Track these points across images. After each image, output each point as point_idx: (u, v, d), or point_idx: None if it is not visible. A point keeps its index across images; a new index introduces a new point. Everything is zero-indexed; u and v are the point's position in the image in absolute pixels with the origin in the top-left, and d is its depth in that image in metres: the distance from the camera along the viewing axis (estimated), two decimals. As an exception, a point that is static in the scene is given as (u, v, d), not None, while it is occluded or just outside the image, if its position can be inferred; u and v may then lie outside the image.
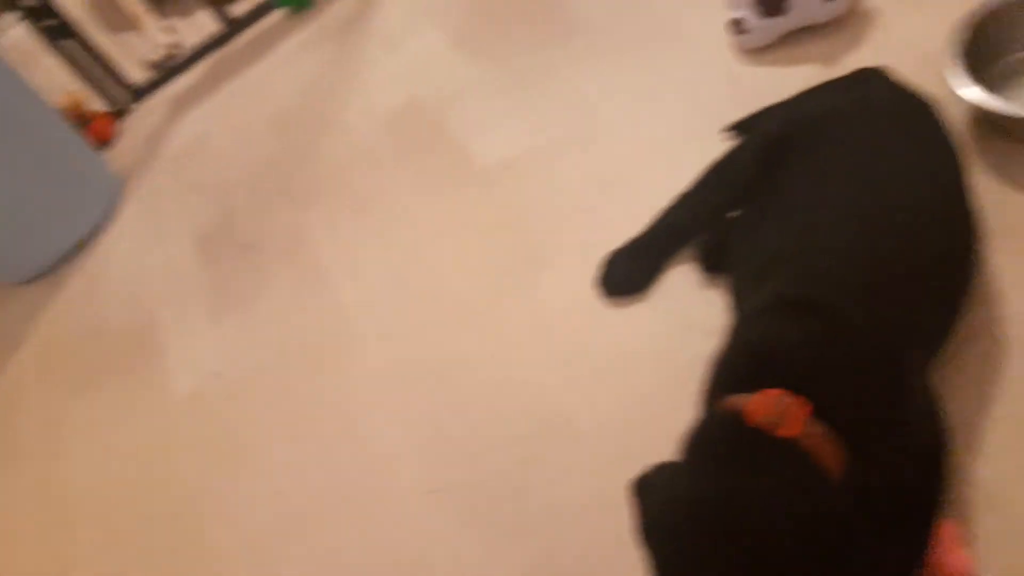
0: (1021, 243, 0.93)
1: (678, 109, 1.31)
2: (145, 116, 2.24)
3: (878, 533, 0.68)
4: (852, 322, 0.75)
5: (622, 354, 1.07)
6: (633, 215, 1.17)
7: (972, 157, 1.02)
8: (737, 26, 1.30)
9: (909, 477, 0.73)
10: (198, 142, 2.01)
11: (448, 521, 1.04)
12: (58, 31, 2.12)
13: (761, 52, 1.31)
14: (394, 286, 1.35)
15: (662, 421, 0.87)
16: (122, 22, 2.63)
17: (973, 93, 0.98)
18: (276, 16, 2.27)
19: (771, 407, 0.70)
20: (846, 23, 1.26)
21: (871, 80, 1.00)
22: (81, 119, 2.16)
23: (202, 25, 2.35)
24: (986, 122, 1.04)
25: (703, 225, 1.07)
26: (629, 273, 1.11)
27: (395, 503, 1.09)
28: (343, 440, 1.19)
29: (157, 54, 2.36)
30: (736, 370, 0.77)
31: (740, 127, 1.19)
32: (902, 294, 0.78)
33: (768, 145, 0.98)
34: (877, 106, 0.93)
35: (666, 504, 0.72)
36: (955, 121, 1.04)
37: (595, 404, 1.05)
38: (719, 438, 0.73)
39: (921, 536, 0.74)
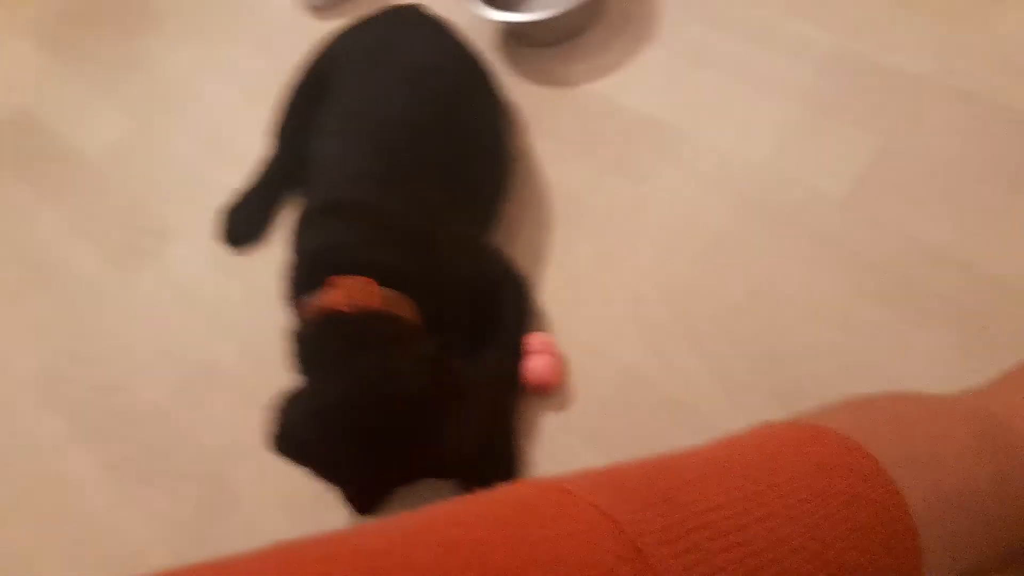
0: (546, 126, 1.17)
1: (264, 69, 1.40)
2: None
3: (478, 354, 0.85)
4: (384, 208, 0.90)
5: (257, 295, 1.15)
6: (241, 171, 1.25)
7: (503, 65, 1.24)
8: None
9: (493, 305, 0.91)
10: None
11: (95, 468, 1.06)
12: None
13: (328, 10, 1.44)
14: (36, 290, 1.30)
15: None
16: None
17: (493, 13, 1.19)
18: None
19: (344, 292, 0.83)
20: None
21: (403, 13, 1.16)
22: None
23: None
24: (511, 35, 1.26)
25: (288, 159, 1.17)
26: (246, 222, 1.19)
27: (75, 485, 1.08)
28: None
29: None
30: (303, 276, 0.89)
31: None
32: (433, 179, 0.95)
33: (308, 77, 1.11)
34: (403, 31, 1.09)
35: (289, 425, 0.81)
36: (486, 40, 1.26)
37: (243, 345, 1.12)
38: (312, 336, 0.84)
39: (514, 344, 0.93)
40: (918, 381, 0.86)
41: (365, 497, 0.86)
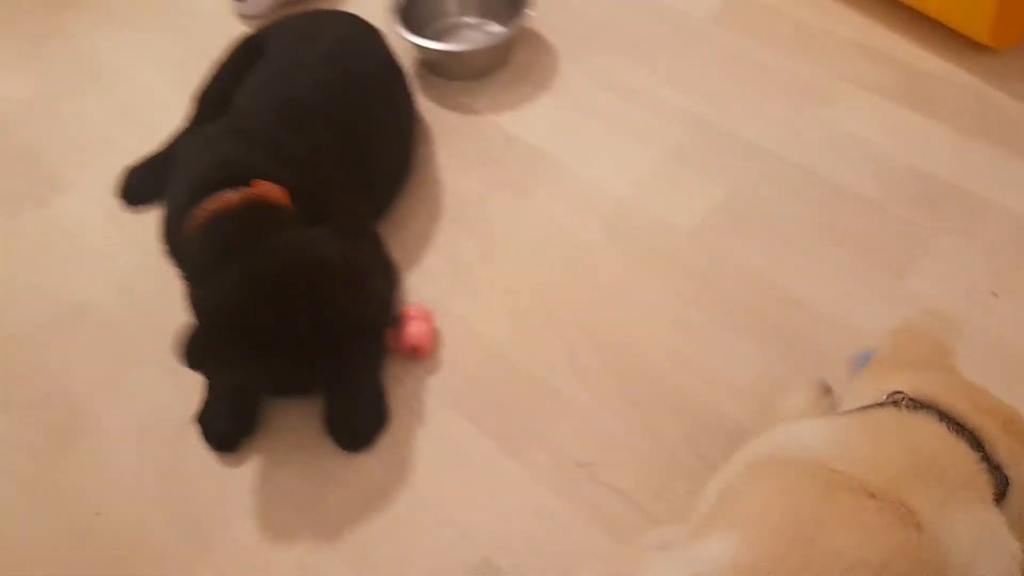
0: (447, 141, 1.31)
1: (185, 58, 1.47)
2: None
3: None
4: (280, 140, 1.02)
5: (146, 252, 1.18)
6: (150, 140, 1.30)
7: (419, 88, 1.38)
8: (241, -5, 1.52)
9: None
10: None
11: None
12: None
13: (259, 19, 1.54)
14: None
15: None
16: None
17: (418, 39, 1.33)
18: None
19: (236, 195, 0.93)
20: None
21: (338, 12, 1.28)
22: None
23: None
24: (427, 65, 1.41)
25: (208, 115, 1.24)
26: (147, 183, 1.23)
27: None
28: None
29: None
30: (197, 183, 0.96)
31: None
32: (334, 150, 1.06)
33: (238, 51, 1.21)
34: (336, 25, 1.22)
35: (216, 314, 0.88)
36: (407, 65, 1.40)
37: (122, 292, 1.15)
38: (214, 231, 0.92)
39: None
40: (728, 381, 1.01)
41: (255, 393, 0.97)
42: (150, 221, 1.22)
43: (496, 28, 1.42)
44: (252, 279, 0.87)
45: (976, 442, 0.66)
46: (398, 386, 1.03)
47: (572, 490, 0.93)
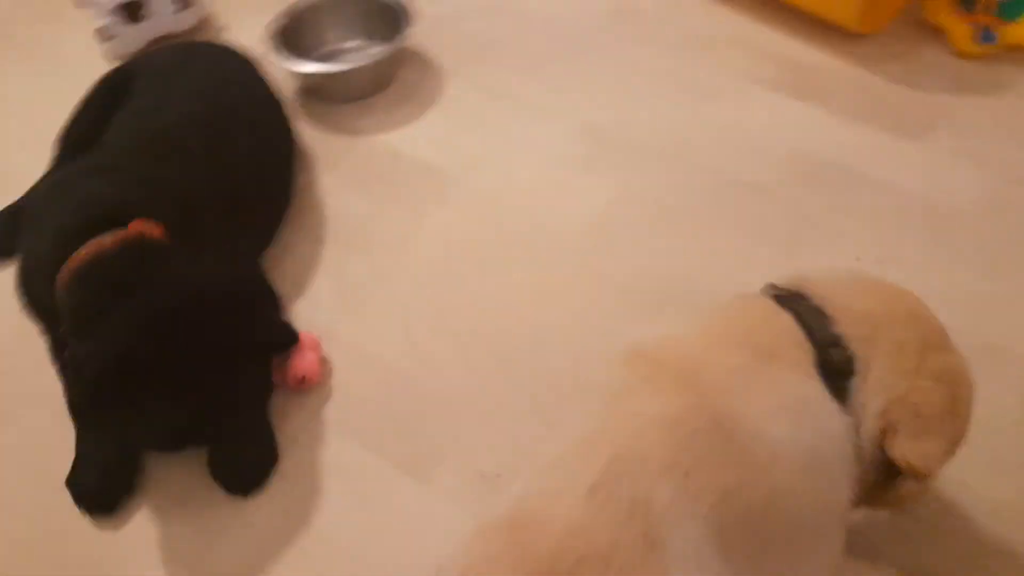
0: (333, 165, 1.26)
1: (51, 100, 1.38)
2: None
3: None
4: (147, 174, 0.96)
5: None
6: (12, 191, 1.21)
7: (301, 114, 1.33)
8: (104, 33, 1.45)
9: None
10: None
11: None
12: None
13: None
14: None
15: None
16: None
17: (296, 65, 1.29)
18: None
19: (110, 238, 0.87)
20: (201, 31, 1.51)
21: (211, 44, 1.24)
22: None
23: None
24: (309, 88, 1.37)
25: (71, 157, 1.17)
26: (4, 237, 1.14)
27: None
28: None
29: None
30: (63, 229, 0.90)
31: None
32: (201, 183, 1.00)
33: (112, 79, 1.15)
34: (208, 56, 1.17)
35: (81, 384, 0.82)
36: (289, 92, 1.35)
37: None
38: (93, 277, 0.86)
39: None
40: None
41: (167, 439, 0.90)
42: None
43: (379, 50, 1.39)
44: (142, 321, 0.82)
45: (810, 320, 0.67)
46: (287, 421, 0.96)
47: (480, 505, 0.88)
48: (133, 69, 1.15)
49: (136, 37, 1.46)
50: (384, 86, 1.37)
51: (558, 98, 1.34)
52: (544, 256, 1.12)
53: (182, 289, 0.85)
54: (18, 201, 1.18)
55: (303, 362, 0.98)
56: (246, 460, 0.91)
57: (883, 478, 0.67)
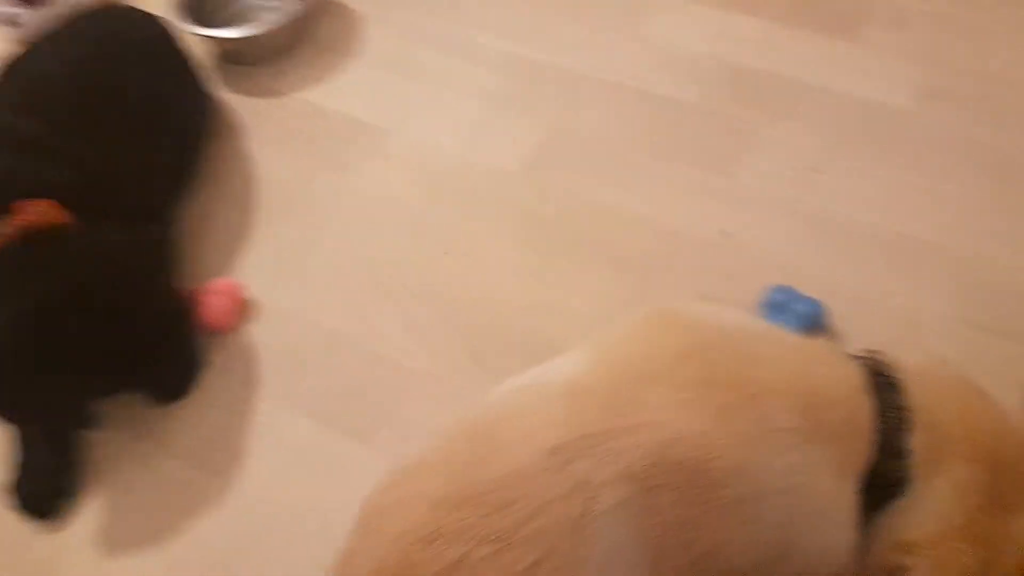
0: (256, 129, 1.22)
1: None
2: None
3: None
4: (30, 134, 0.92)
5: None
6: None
7: (220, 82, 1.28)
8: (12, 22, 1.38)
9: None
10: None
11: None
12: None
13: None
14: None
15: None
16: None
17: (204, 30, 1.24)
18: None
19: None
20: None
21: (114, 7, 1.17)
22: None
23: None
24: (224, 56, 1.31)
25: None
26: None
27: None
28: None
29: None
30: None
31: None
32: (96, 139, 0.95)
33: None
34: (114, 20, 1.11)
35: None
36: (204, 61, 1.30)
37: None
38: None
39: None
40: (582, 313, 0.97)
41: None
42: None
43: (292, 3, 1.33)
44: (24, 320, 0.79)
45: (888, 417, 0.59)
46: (227, 394, 0.95)
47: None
48: (35, 43, 1.09)
49: (45, 18, 1.39)
50: (302, 42, 1.32)
51: (480, 35, 1.29)
52: (480, 206, 1.09)
53: (62, 287, 0.82)
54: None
55: (216, 306, 0.97)
56: (175, 371, 0.92)
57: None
